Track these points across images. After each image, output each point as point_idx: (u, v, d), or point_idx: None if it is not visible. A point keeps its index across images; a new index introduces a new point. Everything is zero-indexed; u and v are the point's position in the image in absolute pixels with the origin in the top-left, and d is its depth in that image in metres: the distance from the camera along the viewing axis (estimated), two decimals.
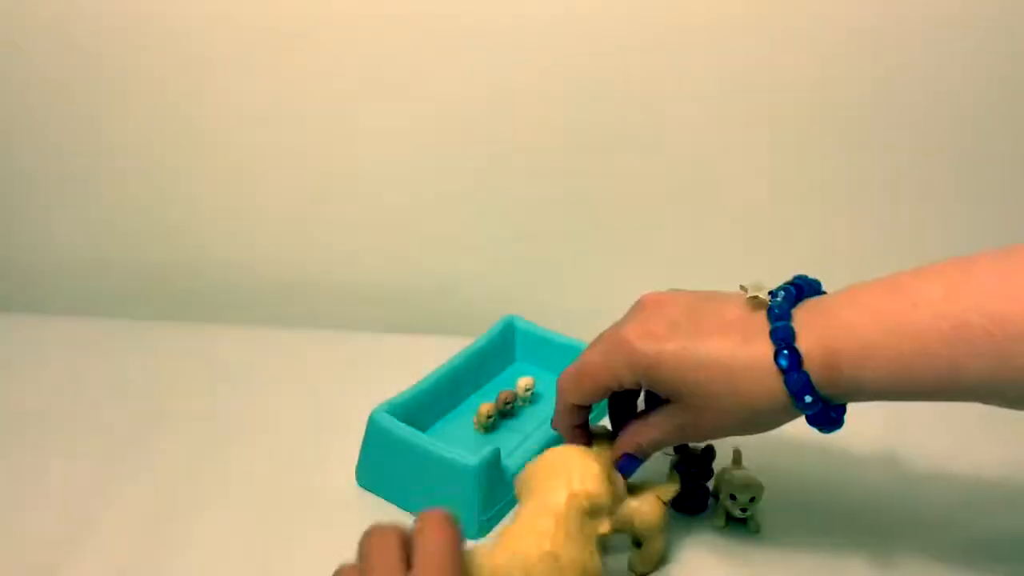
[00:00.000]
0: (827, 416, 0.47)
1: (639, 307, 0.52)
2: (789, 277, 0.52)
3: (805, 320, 0.46)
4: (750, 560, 0.59)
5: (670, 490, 0.56)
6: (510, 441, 0.68)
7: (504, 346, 0.77)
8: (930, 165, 0.78)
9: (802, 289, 0.49)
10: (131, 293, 0.90)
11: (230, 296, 0.89)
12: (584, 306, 0.87)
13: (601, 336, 0.53)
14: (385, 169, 0.83)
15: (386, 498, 0.64)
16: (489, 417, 0.68)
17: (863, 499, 0.65)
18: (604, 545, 0.49)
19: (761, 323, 0.47)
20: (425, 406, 0.68)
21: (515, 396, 0.71)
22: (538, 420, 0.71)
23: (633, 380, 0.49)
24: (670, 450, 0.64)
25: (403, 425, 0.63)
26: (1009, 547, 0.60)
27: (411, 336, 0.83)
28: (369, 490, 0.65)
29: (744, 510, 0.60)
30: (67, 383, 0.76)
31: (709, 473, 0.62)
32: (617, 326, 0.51)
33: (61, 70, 0.80)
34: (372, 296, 0.89)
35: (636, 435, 0.53)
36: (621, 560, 0.58)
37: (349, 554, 0.60)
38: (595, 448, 0.54)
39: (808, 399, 0.45)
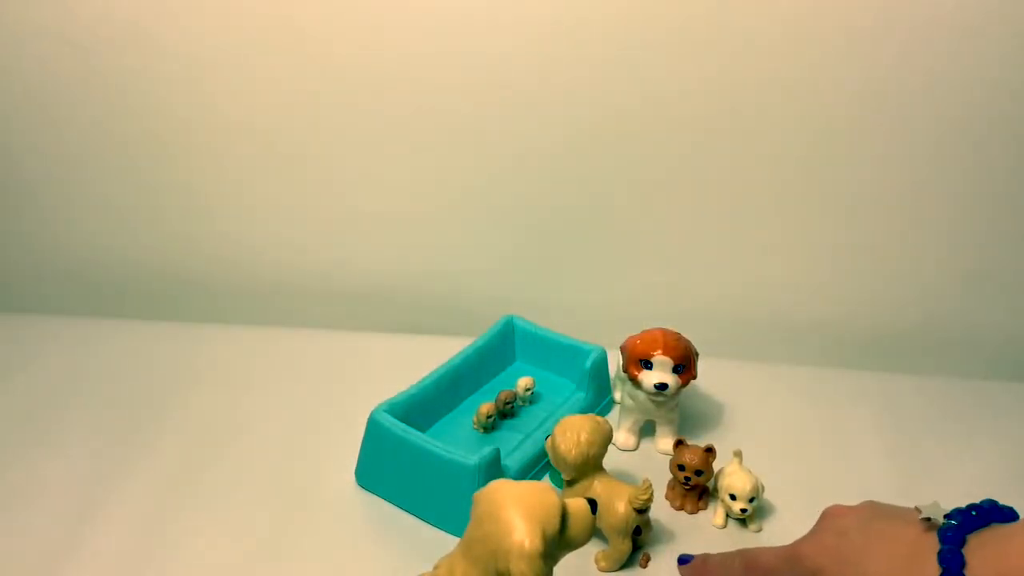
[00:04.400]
0: None
1: (820, 518, 0.51)
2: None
3: (980, 548, 0.42)
4: None
5: (642, 497, 0.56)
6: (510, 441, 0.68)
7: (504, 346, 0.77)
8: (928, 170, 0.79)
9: (988, 514, 0.45)
10: (131, 293, 0.90)
11: (230, 296, 0.89)
12: (584, 306, 0.87)
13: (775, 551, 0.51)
14: (386, 171, 0.83)
15: (386, 498, 0.64)
16: (489, 417, 0.68)
17: (863, 498, 0.65)
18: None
19: (932, 545, 0.43)
20: (425, 406, 0.68)
21: (515, 396, 0.71)
22: (538, 420, 0.71)
23: None
24: (670, 449, 0.64)
25: (403, 425, 0.63)
26: None
27: (411, 336, 0.83)
28: (369, 490, 0.65)
29: (744, 510, 0.60)
30: (67, 383, 0.76)
31: (709, 473, 0.62)
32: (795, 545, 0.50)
33: (61, 73, 0.80)
34: (372, 296, 0.89)
35: None
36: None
37: (349, 553, 0.60)
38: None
39: None
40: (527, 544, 0.43)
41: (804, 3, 0.72)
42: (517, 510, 0.44)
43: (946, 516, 0.45)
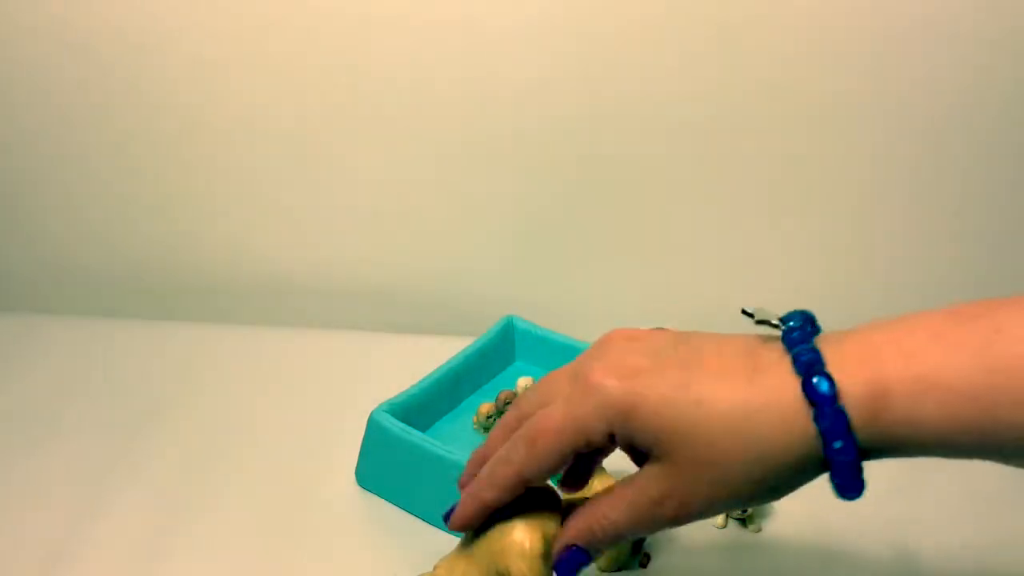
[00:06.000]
0: (859, 475, 0.36)
1: (604, 342, 0.39)
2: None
3: (838, 350, 0.35)
4: (750, 560, 0.59)
5: None
6: None
7: (504, 346, 0.77)
8: (929, 173, 0.79)
9: (811, 321, 0.38)
10: (131, 293, 0.90)
11: (229, 296, 0.89)
12: (584, 306, 0.87)
13: (548, 381, 0.40)
14: (385, 169, 0.83)
15: (386, 498, 0.64)
16: (489, 417, 0.68)
17: (863, 499, 0.65)
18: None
19: (774, 354, 0.36)
20: (425, 406, 0.68)
21: (515, 396, 0.71)
22: None
23: (605, 431, 0.36)
24: None
25: (403, 425, 0.63)
26: (1015, 544, 0.60)
27: (411, 336, 0.83)
28: (369, 490, 0.65)
29: (744, 510, 0.60)
30: (67, 383, 0.76)
31: None
32: (575, 365, 0.39)
33: (61, 72, 0.80)
34: (372, 296, 0.89)
35: (592, 516, 0.39)
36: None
37: (349, 554, 0.60)
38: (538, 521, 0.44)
39: (839, 444, 0.34)
40: (527, 545, 0.42)
41: (803, 4, 0.72)
42: (517, 509, 0.44)
43: (780, 319, 0.37)
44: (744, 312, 0.39)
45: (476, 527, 0.42)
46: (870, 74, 0.75)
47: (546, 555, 0.43)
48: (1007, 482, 0.66)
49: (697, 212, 0.83)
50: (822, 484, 0.67)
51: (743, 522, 0.62)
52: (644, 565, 0.58)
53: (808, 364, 0.34)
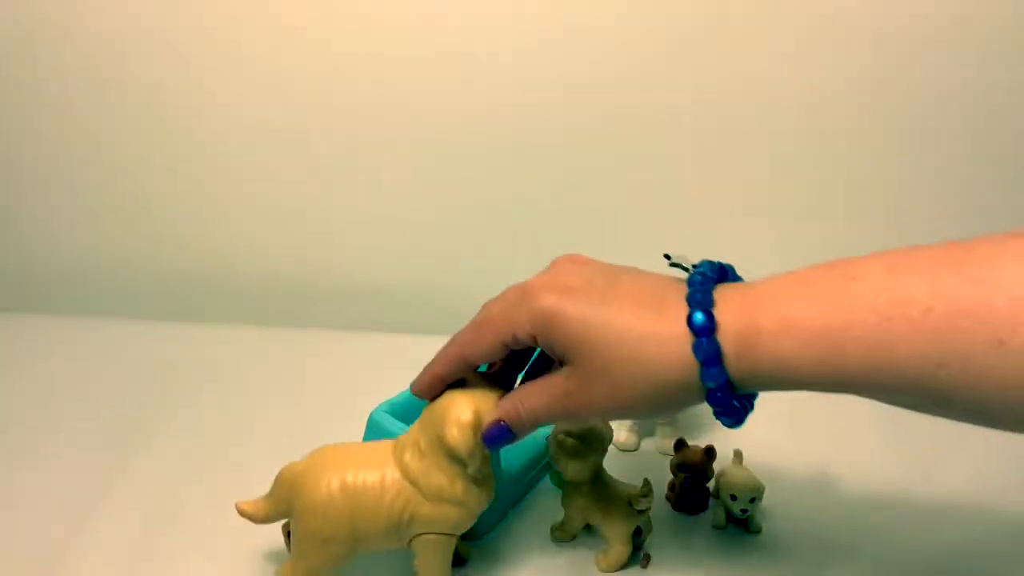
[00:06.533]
0: (731, 402, 0.42)
1: (555, 262, 0.48)
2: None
3: (727, 295, 0.42)
4: (750, 560, 0.59)
5: (645, 500, 0.56)
6: None
7: None
8: (927, 171, 0.79)
9: (726, 273, 0.46)
10: (131, 293, 0.90)
11: (230, 296, 0.89)
12: None
13: (509, 288, 0.49)
14: (386, 170, 0.83)
15: None
16: None
17: (863, 499, 0.65)
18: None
19: (680, 293, 0.43)
20: (425, 406, 0.68)
21: None
22: None
23: (529, 333, 0.44)
24: (670, 450, 0.64)
25: (403, 425, 0.63)
26: (1008, 548, 0.60)
27: (411, 336, 0.83)
28: None
29: (744, 510, 0.60)
30: (67, 383, 0.76)
31: (709, 473, 0.62)
32: (530, 279, 0.47)
33: (61, 73, 0.80)
34: (372, 296, 0.89)
35: (517, 401, 0.47)
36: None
37: None
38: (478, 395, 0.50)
39: (714, 371, 0.40)
40: (460, 416, 0.47)
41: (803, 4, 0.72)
42: (463, 391, 0.49)
43: (694, 266, 0.45)
44: (665, 256, 0.47)
45: (430, 396, 0.50)
46: (870, 74, 0.75)
47: (476, 426, 0.48)
48: (1010, 483, 0.66)
49: (697, 213, 0.83)
50: (821, 485, 0.67)
51: (743, 522, 0.62)
52: (644, 565, 0.58)
53: (697, 303, 0.41)
